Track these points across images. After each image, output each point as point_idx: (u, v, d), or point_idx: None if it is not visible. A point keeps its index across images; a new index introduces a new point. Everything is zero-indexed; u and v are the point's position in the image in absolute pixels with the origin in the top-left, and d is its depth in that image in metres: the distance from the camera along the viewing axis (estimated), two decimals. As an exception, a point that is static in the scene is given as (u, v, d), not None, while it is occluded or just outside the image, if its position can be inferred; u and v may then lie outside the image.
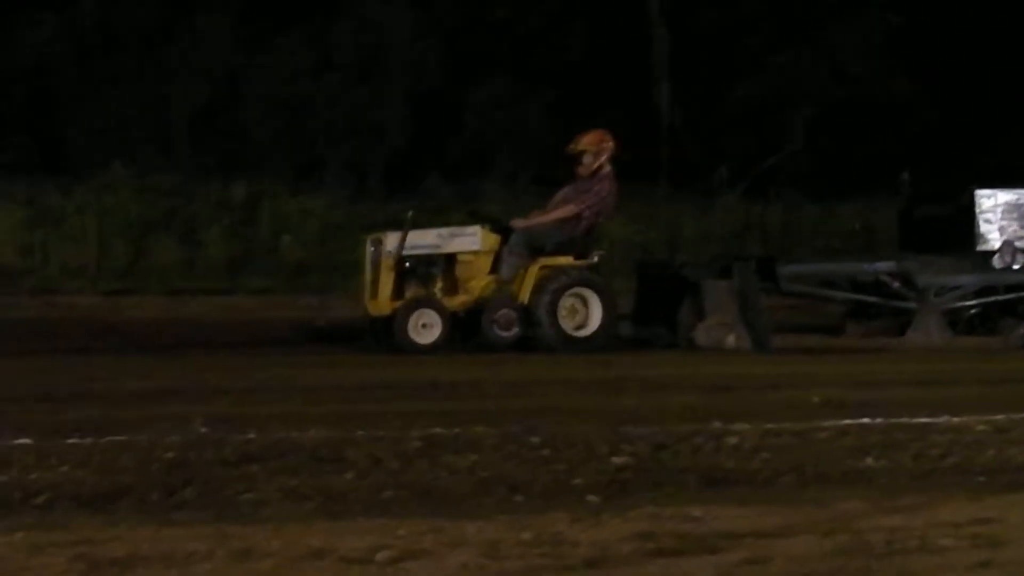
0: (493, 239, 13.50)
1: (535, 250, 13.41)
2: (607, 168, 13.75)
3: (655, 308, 14.19)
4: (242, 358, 12.15)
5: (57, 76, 29.15)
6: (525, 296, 13.18)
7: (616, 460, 7.26)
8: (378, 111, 29.61)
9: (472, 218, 14.19)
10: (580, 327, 13.25)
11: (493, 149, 29.72)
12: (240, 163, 27.52)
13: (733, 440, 7.82)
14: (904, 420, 8.60)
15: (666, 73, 31.33)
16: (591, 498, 6.41)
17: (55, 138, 28.18)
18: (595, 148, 13.74)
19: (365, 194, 26.06)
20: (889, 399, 9.78)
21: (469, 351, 13.10)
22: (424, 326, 12.87)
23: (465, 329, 13.20)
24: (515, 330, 13.07)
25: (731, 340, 13.44)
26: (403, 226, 13.33)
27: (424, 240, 13.40)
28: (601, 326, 13.29)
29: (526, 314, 13.11)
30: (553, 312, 13.11)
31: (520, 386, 10.74)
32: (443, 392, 10.33)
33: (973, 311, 14.69)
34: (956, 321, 14.58)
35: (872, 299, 14.62)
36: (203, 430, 7.99)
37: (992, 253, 14.49)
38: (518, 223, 13.63)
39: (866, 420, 8.57)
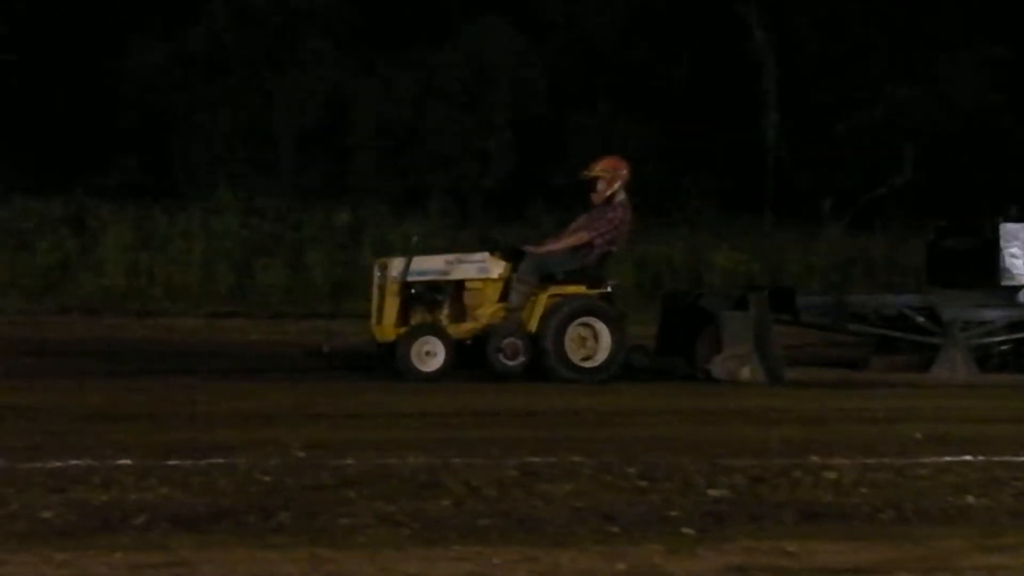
0: (503, 266, 13.20)
1: (546, 278, 13.18)
2: (621, 196, 13.49)
3: (676, 339, 14.00)
4: (342, 383, 12.18)
5: (167, 100, 29.50)
6: (533, 324, 12.92)
7: (713, 492, 7.22)
8: (482, 138, 29.70)
9: (483, 243, 13.92)
10: (588, 357, 13.02)
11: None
12: (344, 188, 27.71)
13: (832, 475, 7.75)
14: (1006, 458, 8.49)
15: (774, 103, 31.21)
16: (687, 530, 6.37)
17: (164, 161, 28.51)
18: (608, 175, 13.49)
19: (468, 221, 26.11)
20: (990, 436, 9.65)
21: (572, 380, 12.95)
22: (427, 353, 12.66)
23: (472, 357, 12.95)
24: (521, 359, 12.84)
25: (745, 372, 13.17)
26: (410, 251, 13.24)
27: (431, 266, 13.18)
28: (609, 357, 13.02)
29: (533, 343, 12.88)
30: (560, 341, 12.86)
31: (617, 415, 10.70)
32: (539, 420, 10.31)
33: (1004, 347, 14.34)
34: (987, 357, 14.24)
35: (895, 333, 14.30)
36: (301, 454, 8.04)
37: (1018, 288, 14.18)
38: (529, 249, 13.43)
39: (967, 457, 8.47)
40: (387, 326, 12.94)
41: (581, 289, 13.19)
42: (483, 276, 13.21)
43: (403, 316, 13.02)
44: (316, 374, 12.47)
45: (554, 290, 13.09)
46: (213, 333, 14.53)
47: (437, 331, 12.84)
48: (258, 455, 7.93)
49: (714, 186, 29.60)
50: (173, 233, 22.74)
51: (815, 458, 8.24)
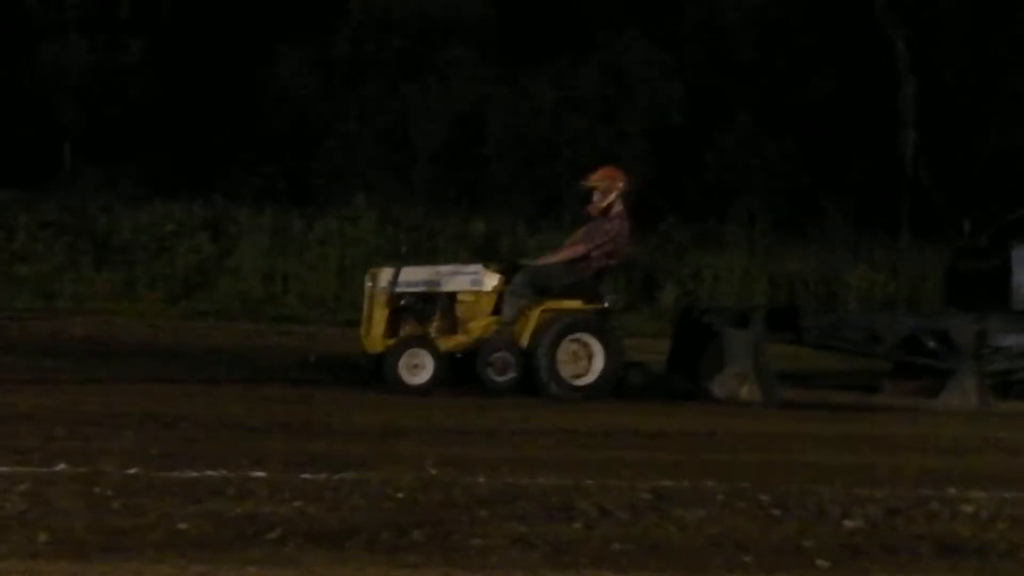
0: (496, 279, 12.90)
1: (541, 292, 12.81)
2: (619, 207, 13.12)
3: (686, 356, 13.62)
4: (473, 398, 12.16)
5: (307, 107, 29.77)
6: (525, 339, 12.61)
7: (848, 523, 7.14)
8: (619, 150, 29.64)
9: (486, 258, 13.76)
10: (582, 374, 12.72)
11: (733, 191, 29.55)
12: (480, 197, 27.80)
13: (969, 508, 7.63)
14: None
15: (911, 119, 30.86)
16: (821, 562, 6.32)
17: (302, 167, 28.76)
18: (604, 185, 13.11)
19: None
20: None
21: (708, 401, 12.83)
22: (415, 366, 12.42)
23: (463, 372, 12.68)
24: (511, 375, 12.54)
25: (745, 392, 12.84)
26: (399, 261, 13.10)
27: (421, 277, 12.94)
28: (603, 374, 12.71)
29: (525, 358, 12.58)
30: (551, 357, 12.55)
31: (752, 439, 10.59)
32: (672, 441, 10.24)
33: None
34: (1007, 384, 13.62)
35: (901, 358, 13.81)
36: (433, 471, 8.06)
37: None
38: (525, 263, 13.19)
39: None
40: (375, 337, 12.69)
41: (577, 304, 12.86)
42: (476, 288, 12.92)
43: (392, 328, 12.77)
44: (447, 387, 12.46)
45: (548, 305, 12.77)
46: (348, 342, 14.52)
47: (426, 344, 12.56)
48: (391, 471, 7.96)
49: (851, 203, 29.31)
50: (310, 240, 22.93)
51: (952, 490, 8.13)
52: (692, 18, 31.77)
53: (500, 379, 12.54)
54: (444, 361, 12.53)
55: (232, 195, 25.02)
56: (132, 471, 7.63)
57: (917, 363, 13.62)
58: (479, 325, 12.80)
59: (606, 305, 12.99)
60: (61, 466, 7.66)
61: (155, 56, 29.90)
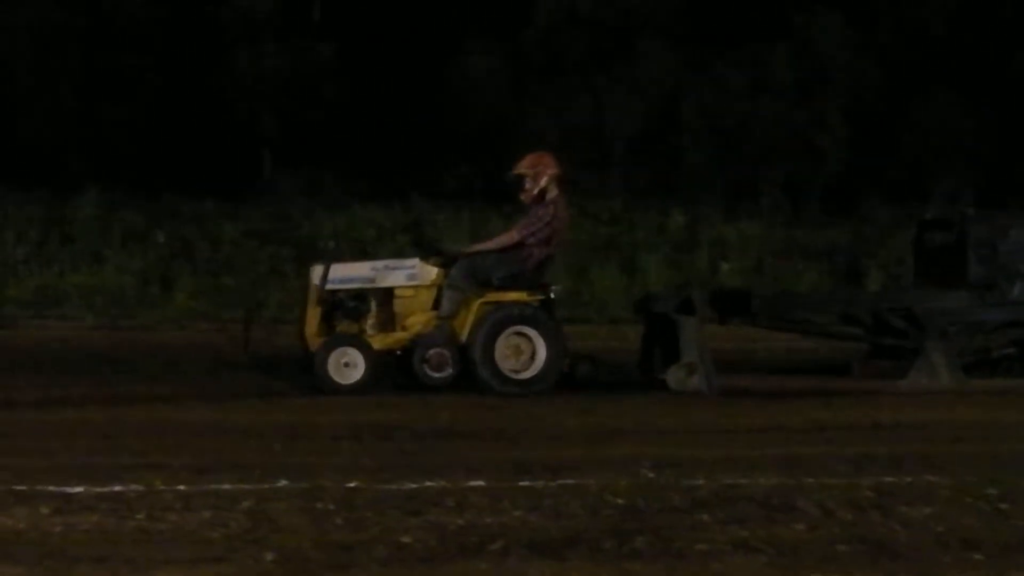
0: (435, 273, 12.52)
1: (482, 284, 12.44)
2: (553, 192, 12.74)
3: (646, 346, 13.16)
4: (675, 397, 12.01)
5: (498, 105, 29.86)
6: (465, 333, 12.25)
7: (1082, 518, 6.95)
8: (816, 133, 29.31)
9: (417, 247, 13.31)
10: (524, 368, 12.33)
11: (934, 170, 29.02)
12: (676, 187, 27.66)
13: None
14: None
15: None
16: (1056, 560, 6.15)
17: (497, 167, 28.84)
18: (532, 172, 12.75)
19: (801, 218, 25.78)
20: None
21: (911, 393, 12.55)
22: (346, 365, 12.14)
23: (404, 369, 12.42)
24: (448, 371, 12.14)
25: (694, 381, 12.26)
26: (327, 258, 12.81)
27: (356, 273, 12.61)
28: (545, 368, 12.25)
29: (463, 353, 12.23)
30: (489, 351, 12.16)
31: (970, 428, 10.38)
32: (889, 434, 10.07)
33: (1006, 351, 13.28)
34: (979, 362, 13.19)
35: (850, 333, 13.50)
36: (650, 475, 8.02)
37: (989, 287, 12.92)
38: (461, 252, 12.81)
39: None
40: (309, 335, 12.45)
41: (521, 296, 12.47)
42: (413, 283, 12.56)
43: (329, 325, 12.53)
44: (650, 386, 12.38)
45: (489, 297, 12.40)
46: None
47: (357, 342, 12.29)
48: (608, 475, 7.94)
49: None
50: (509, 238, 22.92)
51: None
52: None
53: (437, 375, 12.21)
54: (377, 360, 12.26)
55: (430, 196, 25.17)
56: (352, 484, 7.70)
57: (880, 343, 13.30)
58: (418, 321, 12.48)
59: (551, 296, 12.66)
60: (283, 482, 7.76)
61: (347, 59, 30.21)
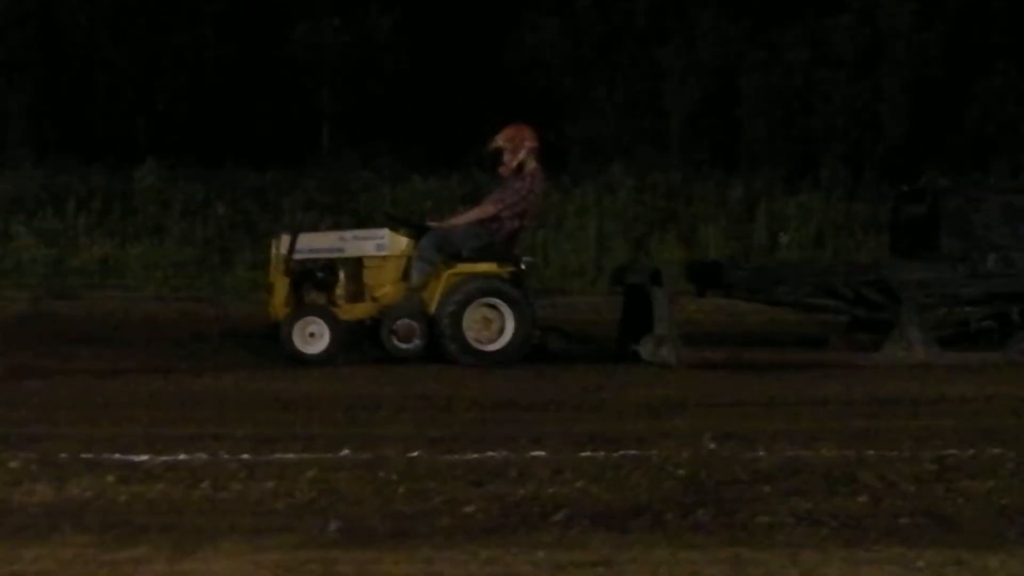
0: (404, 243, 12.52)
1: (452, 255, 12.43)
2: (532, 165, 12.70)
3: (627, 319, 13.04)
4: (742, 371, 11.98)
5: (556, 77, 29.82)
6: (433, 305, 12.26)
7: None
8: (876, 105, 29.13)
9: (389, 221, 13.22)
10: (492, 340, 12.32)
11: (995, 143, 28.80)
12: (735, 160, 27.58)
13: None
14: None
15: None
16: (1123, 533, 6.12)
17: (556, 139, 28.83)
18: (511, 145, 12.72)
19: (861, 191, 25.63)
20: None
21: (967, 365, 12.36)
22: (311, 335, 12.12)
23: (373, 339, 12.36)
24: (416, 342, 12.15)
25: (664, 352, 12.16)
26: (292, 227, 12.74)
27: (323, 243, 12.63)
28: (513, 340, 12.26)
29: (432, 324, 12.25)
30: (457, 323, 12.17)
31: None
32: (953, 408, 9.98)
33: (984, 323, 13.21)
34: (957, 335, 13.14)
35: (828, 303, 13.29)
36: (712, 446, 8.02)
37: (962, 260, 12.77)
38: (432, 224, 12.74)
39: None
40: (276, 306, 12.44)
41: (492, 267, 12.44)
42: (382, 253, 12.54)
43: (296, 296, 12.51)
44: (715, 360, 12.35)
45: (459, 268, 12.38)
46: (610, 313, 14.47)
47: (322, 312, 12.28)
48: (670, 447, 7.94)
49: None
50: (568, 211, 22.95)
51: None
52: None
53: (404, 346, 12.21)
54: (342, 330, 12.24)
55: (487, 168, 25.15)
56: (414, 454, 7.73)
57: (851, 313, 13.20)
58: (387, 291, 12.47)
59: (522, 267, 12.62)
60: (345, 451, 7.80)
61: (406, 31, 30.21)
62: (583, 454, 7.81)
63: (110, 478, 7.03)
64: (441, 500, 6.66)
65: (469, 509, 6.49)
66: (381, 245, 12.58)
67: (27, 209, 22.93)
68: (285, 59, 29.93)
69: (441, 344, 12.23)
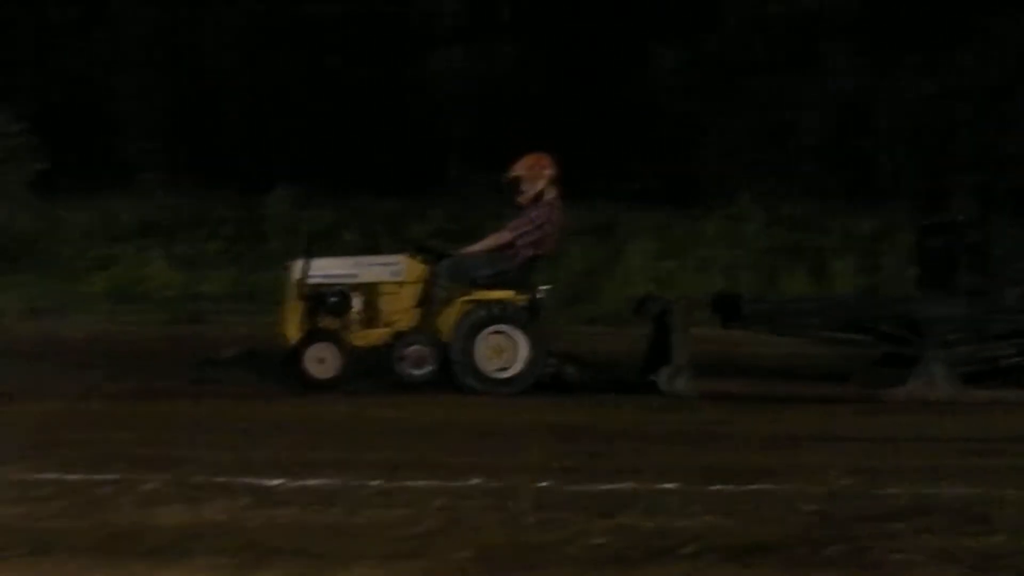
0: (420, 269, 12.44)
1: (467, 282, 12.37)
2: (551, 194, 12.61)
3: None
4: (868, 404, 11.84)
5: (685, 106, 29.80)
6: (446, 331, 12.22)
7: None
8: (1005, 138, 28.80)
9: (411, 248, 13.01)
10: (505, 367, 12.17)
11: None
12: (866, 192, 27.36)
13: None
14: None
15: None
16: None
17: (685, 168, 28.78)
18: (530, 174, 12.59)
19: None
20: None
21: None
22: (320, 360, 12.09)
23: (386, 365, 12.27)
24: (428, 368, 12.10)
25: (680, 384, 12.01)
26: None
27: (338, 268, 12.52)
28: (526, 368, 12.15)
29: (444, 351, 12.16)
30: (469, 349, 12.10)
31: None
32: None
33: (1014, 360, 12.60)
34: (985, 371, 12.53)
35: (845, 337, 12.89)
36: (843, 482, 7.96)
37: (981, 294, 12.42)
38: (451, 252, 12.60)
39: None
40: (289, 331, 12.40)
41: (506, 295, 12.35)
42: (397, 279, 12.49)
43: (310, 320, 12.44)
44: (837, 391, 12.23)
45: (473, 295, 12.33)
46: (735, 346, 14.35)
47: (334, 337, 12.24)
48: (800, 482, 7.90)
49: None
50: (696, 241, 22.86)
51: None
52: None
53: (416, 373, 12.18)
54: (351, 356, 12.21)
55: (616, 198, 25.16)
56: (543, 484, 7.75)
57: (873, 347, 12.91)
58: (401, 317, 12.45)
59: (538, 296, 12.52)
60: (475, 480, 7.83)
61: (533, 61, 30.33)
62: (712, 487, 7.79)
63: (243, 501, 7.12)
64: (570, 531, 6.68)
65: (598, 540, 6.50)
66: (396, 271, 12.61)
67: (160, 235, 23.25)
68: (413, 85, 30.17)
69: (452, 370, 12.28)
